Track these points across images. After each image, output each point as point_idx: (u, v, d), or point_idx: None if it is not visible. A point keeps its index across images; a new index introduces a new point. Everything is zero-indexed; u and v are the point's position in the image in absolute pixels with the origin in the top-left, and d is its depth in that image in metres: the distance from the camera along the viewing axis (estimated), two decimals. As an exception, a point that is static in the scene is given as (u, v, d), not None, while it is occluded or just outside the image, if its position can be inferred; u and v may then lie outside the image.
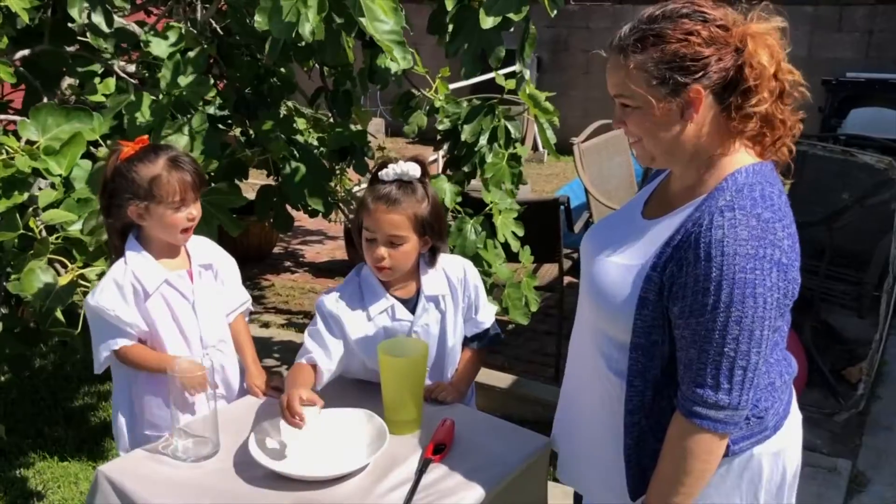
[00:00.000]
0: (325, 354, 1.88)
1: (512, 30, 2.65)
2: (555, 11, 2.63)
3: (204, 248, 2.11)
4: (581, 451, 1.68)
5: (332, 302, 1.92)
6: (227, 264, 2.16)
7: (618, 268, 1.46)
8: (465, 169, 2.99)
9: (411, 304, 1.95)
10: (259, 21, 2.24)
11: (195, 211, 1.97)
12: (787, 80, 1.37)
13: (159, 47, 2.55)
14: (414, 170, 1.85)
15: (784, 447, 1.53)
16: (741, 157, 1.41)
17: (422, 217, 1.85)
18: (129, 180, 1.90)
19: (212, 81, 2.71)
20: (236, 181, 3.01)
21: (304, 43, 3.10)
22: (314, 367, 1.87)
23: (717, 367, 1.34)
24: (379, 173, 1.87)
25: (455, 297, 1.99)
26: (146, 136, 2.07)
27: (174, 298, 2.01)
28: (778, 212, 1.36)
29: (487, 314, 2.07)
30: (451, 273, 1.99)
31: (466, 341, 2.07)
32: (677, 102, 1.35)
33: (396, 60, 2.47)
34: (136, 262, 1.96)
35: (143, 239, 1.99)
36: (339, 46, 2.56)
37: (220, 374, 2.11)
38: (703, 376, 1.35)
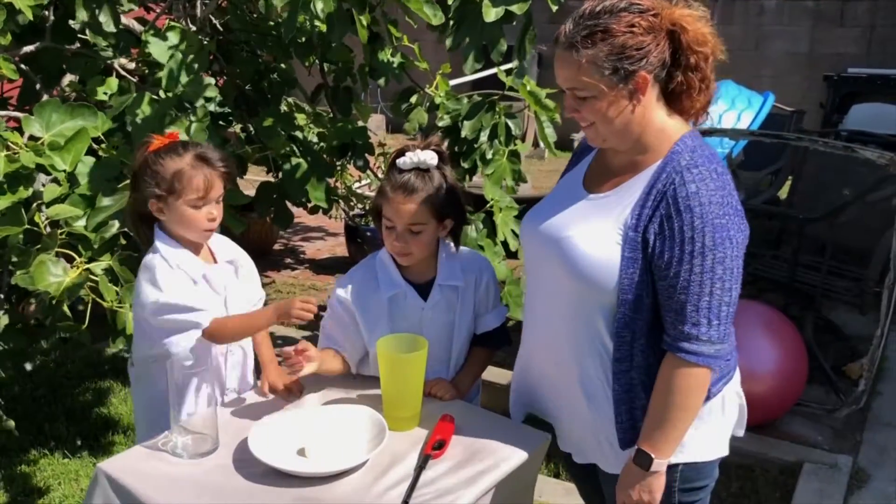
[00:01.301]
0: (336, 343, 1.95)
1: (514, 23, 2.64)
2: (556, 6, 2.62)
3: (225, 245, 2.08)
4: (568, 413, 1.73)
5: (345, 284, 1.96)
6: (245, 260, 2.12)
7: (593, 238, 1.56)
8: (465, 165, 2.98)
9: (425, 291, 1.96)
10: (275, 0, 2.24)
11: (216, 211, 1.92)
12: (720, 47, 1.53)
13: (158, 49, 2.53)
14: (431, 158, 1.86)
15: (738, 384, 1.71)
16: (677, 125, 1.57)
17: (440, 203, 1.87)
18: (154, 172, 1.87)
19: (212, 81, 2.70)
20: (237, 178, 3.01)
21: (304, 39, 3.11)
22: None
23: (707, 305, 1.48)
24: (397, 161, 1.88)
25: (468, 291, 1.99)
26: (176, 132, 2.05)
27: (208, 293, 1.96)
28: (725, 167, 1.54)
29: (498, 315, 2.06)
30: (468, 266, 2.01)
31: (475, 340, 2.07)
32: (627, 89, 1.50)
33: (429, 18, 2.47)
34: (174, 255, 1.90)
35: (168, 234, 1.95)
36: (348, 28, 2.54)
37: (239, 370, 2.09)
38: (695, 316, 1.49)
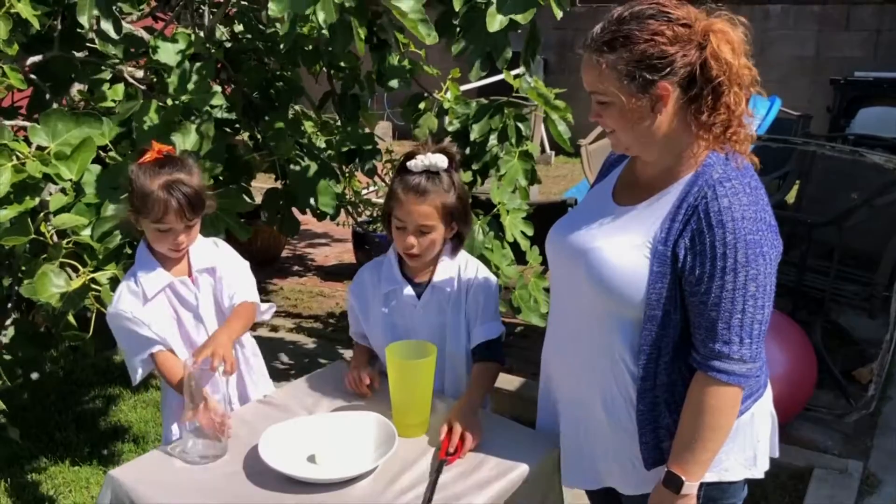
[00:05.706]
0: (357, 328, 2.10)
1: (519, 31, 2.65)
2: (560, 13, 2.62)
3: (205, 251, 2.06)
4: (591, 435, 1.68)
5: (358, 277, 2.09)
6: (228, 262, 2.08)
7: (621, 251, 1.53)
8: (475, 167, 2.98)
9: (421, 290, 1.99)
10: (273, 9, 2.25)
11: (183, 237, 1.94)
12: (746, 75, 1.46)
13: (167, 53, 2.55)
14: (441, 161, 1.90)
15: (769, 403, 1.66)
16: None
17: (449, 206, 1.91)
18: (132, 186, 1.91)
19: (219, 89, 2.71)
20: (244, 184, 3.02)
21: (310, 46, 3.12)
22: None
23: (739, 323, 1.45)
24: (408, 164, 1.91)
25: (459, 296, 1.99)
26: (172, 148, 2.05)
27: (177, 306, 1.99)
28: (759, 181, 1.50)
29: (487, 330, 1.99)
30: (465, 272, 2.02)
31: (473, 357, 2.04)
32: (647, 98, 1.46)
33: (423, 37, 2.48)
34: (141, 267, 1.97)
35: (147, 246, 1.99)
36: (350, 39, 2.54)
37: (234, 382, 2.08)
38: (726, 333, 1.45)
